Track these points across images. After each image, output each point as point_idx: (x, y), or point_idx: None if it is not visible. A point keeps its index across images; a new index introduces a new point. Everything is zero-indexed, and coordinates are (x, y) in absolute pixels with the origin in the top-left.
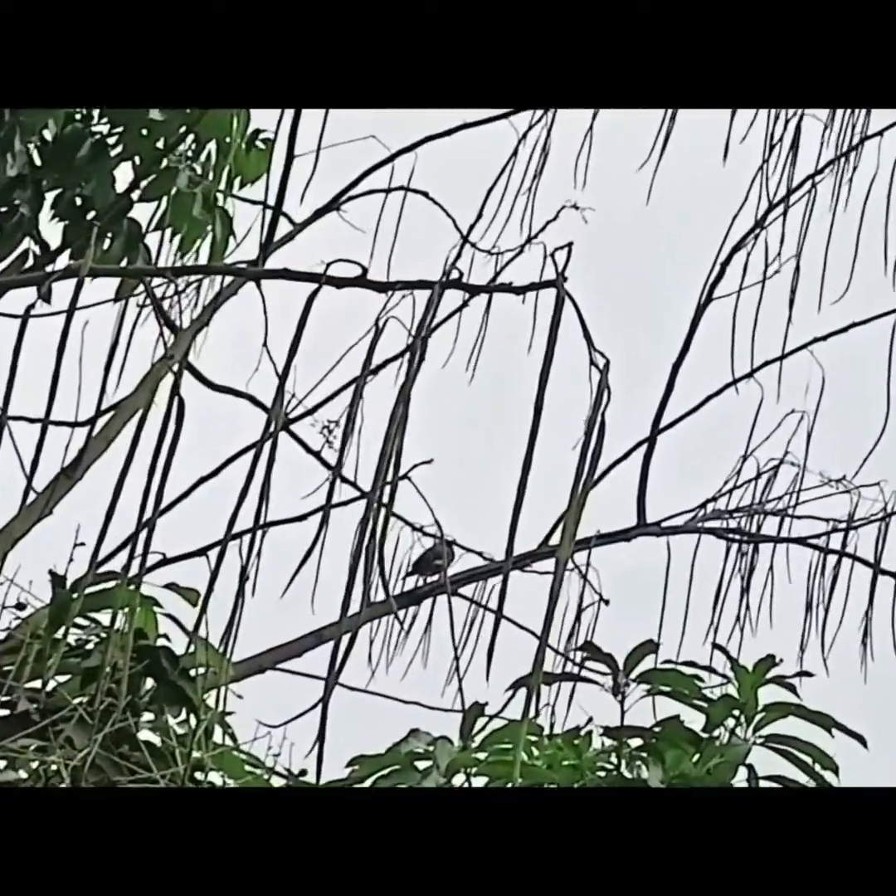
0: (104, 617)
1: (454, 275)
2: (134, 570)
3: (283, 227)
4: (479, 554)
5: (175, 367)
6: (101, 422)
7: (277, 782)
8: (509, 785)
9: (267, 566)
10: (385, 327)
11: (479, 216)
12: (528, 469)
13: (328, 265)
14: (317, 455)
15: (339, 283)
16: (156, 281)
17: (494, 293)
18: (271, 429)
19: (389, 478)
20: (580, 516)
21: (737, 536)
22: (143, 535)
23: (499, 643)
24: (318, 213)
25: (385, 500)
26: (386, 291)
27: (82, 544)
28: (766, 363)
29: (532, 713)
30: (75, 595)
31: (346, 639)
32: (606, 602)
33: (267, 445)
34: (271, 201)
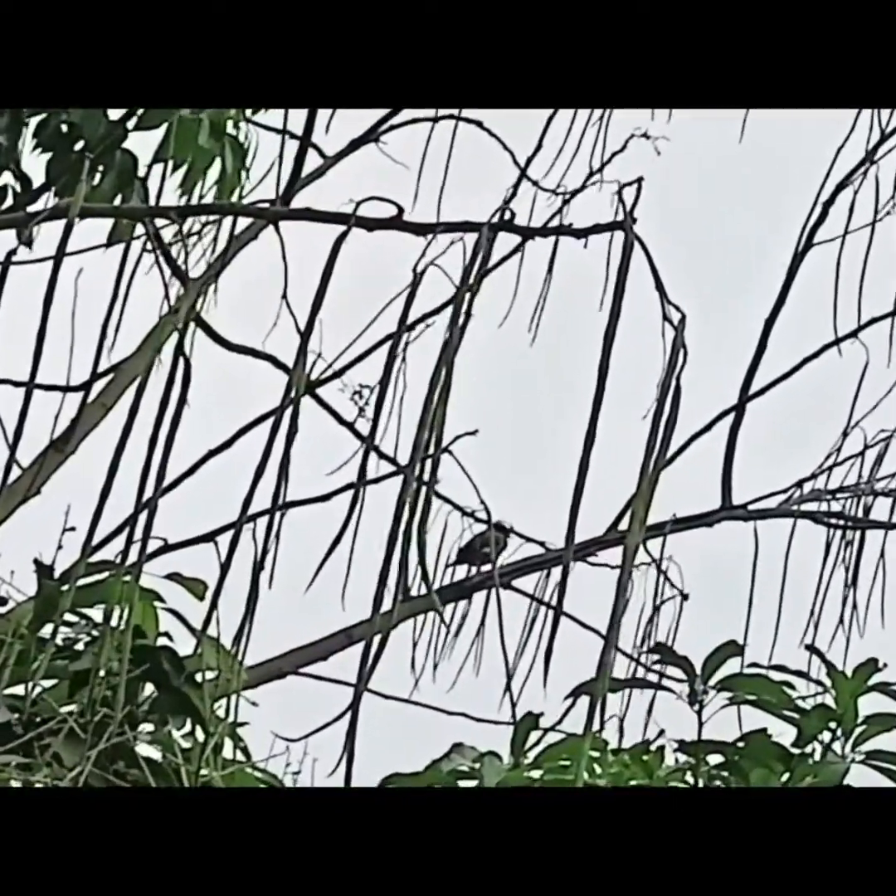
0: (97, 613)
1: (507, 216)
2: (132, 558)
3: (311, 162)
4: (541, 544)
5: (182, 323)
6: (97, 386)
7: None
8: None
9: (287, 554)
10: (424, 277)
11: (539, 147)
12: (592, 442)
13: (358, 204)
14: (348, 424)
15: (372, 224)
16: (159, 223)
17: (552, 236)
18: (293, 394)
19: (431, 451)
20: (652, 497)
21: (839, 521)
22: (142, 517)
23: (559, 644)
24: (354, 145)
25: (426, 476)
26: (426, 234)
27: (73, 529)
28: (875, 320)
29: (596, 725)
30: (64, 587)
31: (378, 638)
32: (685, 597)
33: (287, 413)
34: (295, 129)
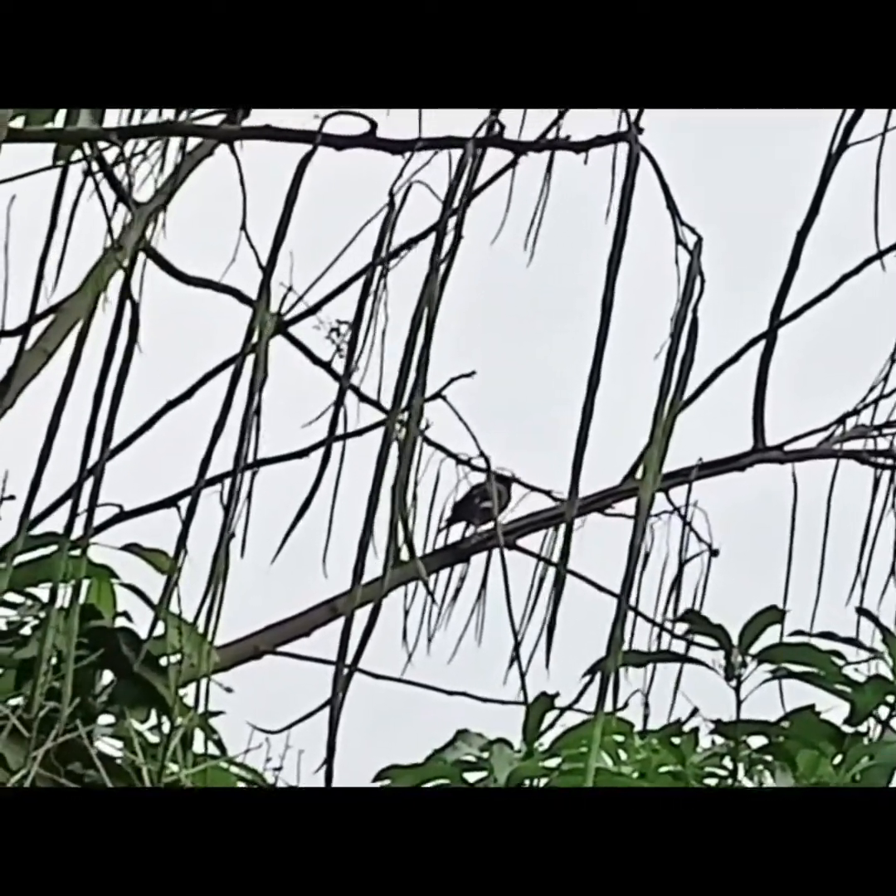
0: (44, 592)
1: (495, 129)
2: (81, 529)
3: None
4: (548, 493)
5: (129, 256)
6: (36, 329)
7: None
8: None
9: (263, 518)
10: (408, 198)
11: None
12: (596, 383)
13: (324, 119)
14: (326, 365)
15: (341, 142)
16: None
17: (547, 151)
18: (256, 333)
19: (414, 395)
20: (668, 443)
21: (889, 461)
22: (91, 480)
23: (578, 612)
24: None
25: (413, 423)
26: (403, 152)
27: (11, 498)
28: None
29: (615, 705)
30: (2, 564)
31: (368, 610)
32: (715, 553)
33: (258, 355)
34: None
